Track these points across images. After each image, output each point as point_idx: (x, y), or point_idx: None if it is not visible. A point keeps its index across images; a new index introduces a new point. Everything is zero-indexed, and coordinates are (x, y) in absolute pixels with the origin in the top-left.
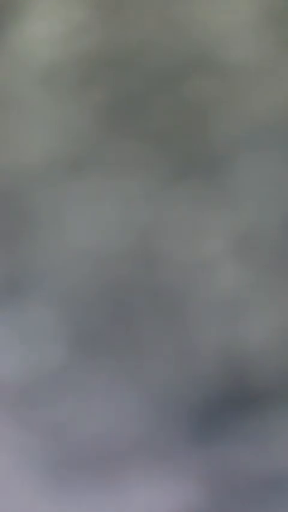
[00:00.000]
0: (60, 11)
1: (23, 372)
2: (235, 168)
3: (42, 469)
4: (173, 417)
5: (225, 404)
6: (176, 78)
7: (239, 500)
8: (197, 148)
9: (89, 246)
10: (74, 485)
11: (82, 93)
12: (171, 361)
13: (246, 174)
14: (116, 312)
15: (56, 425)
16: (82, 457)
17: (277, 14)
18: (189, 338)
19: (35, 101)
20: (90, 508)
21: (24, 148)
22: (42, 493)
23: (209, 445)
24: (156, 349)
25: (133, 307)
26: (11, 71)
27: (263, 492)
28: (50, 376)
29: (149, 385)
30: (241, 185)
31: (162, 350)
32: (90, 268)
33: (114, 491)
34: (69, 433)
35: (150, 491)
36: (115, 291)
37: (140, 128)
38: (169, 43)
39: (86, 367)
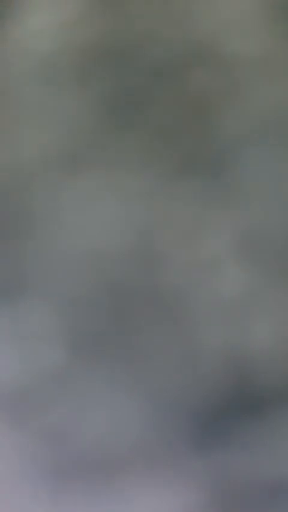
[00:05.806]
0: (60, 2)
1: (21, 374)
2: (238, 166)
3: (41, 472)
4: (175, 422)
5: (227, 409)
6: (177, 72)
7: (240, 506)
8: (198, 145)
9: (89, 246)
10: (73, 489)
11: (81, 86)
12: (172, 363)
13: (249, 172)
14: (116, 314)
15: (56, 429)
16: (81, 460)
17: (280, 7)
18: (191, 340)
19: (33, 94)
20: None
21: (22, 144)
22: (41, 496)
23: (210, 450)
24: (157, 352)
25: (133, 308)
26: (10, 63)
27: (265, 498)
28: (49, 379)
29: (149, 388)
30: (244, 183)
31: (163, 352)
32: (90, 269)
33: (114, 496)
34: (68, 437)
35: (151, 497)
36: (115, 291)
37: (140, 123)
38: (170, 36)
39: (85, 370)
